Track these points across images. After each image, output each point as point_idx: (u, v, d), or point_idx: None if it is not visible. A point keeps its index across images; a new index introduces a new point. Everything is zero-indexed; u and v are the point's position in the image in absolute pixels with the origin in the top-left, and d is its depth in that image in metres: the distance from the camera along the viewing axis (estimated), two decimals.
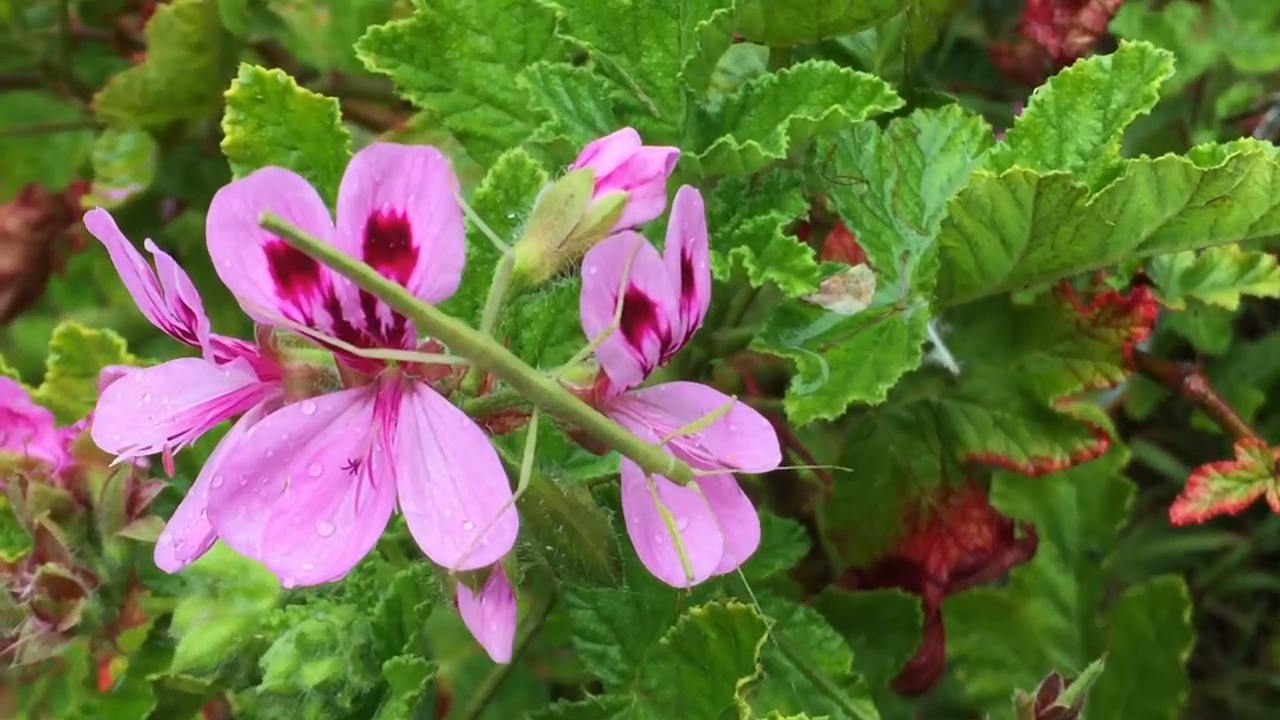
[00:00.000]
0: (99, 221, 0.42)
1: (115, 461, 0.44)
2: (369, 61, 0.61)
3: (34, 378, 0.66)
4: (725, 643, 0.55)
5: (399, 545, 0.60)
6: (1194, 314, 0.89)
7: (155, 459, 0.47)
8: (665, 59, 0.58)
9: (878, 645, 0.71)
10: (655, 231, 0.43)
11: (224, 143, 0.56)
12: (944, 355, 0.67)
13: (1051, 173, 0.52)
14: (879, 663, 0.71)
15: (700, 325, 0.43)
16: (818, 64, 0.56)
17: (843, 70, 0.55)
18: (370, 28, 0.61)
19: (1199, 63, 1.02)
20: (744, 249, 0.55)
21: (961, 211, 0.54)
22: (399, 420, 0.40)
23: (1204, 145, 0.55)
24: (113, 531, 0.58)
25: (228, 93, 0.56)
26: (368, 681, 0.54)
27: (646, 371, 0.42)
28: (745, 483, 0.46)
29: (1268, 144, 0.53)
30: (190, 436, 0.43)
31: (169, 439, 0.43)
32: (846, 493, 0.72)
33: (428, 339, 0.40)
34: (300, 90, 0.56)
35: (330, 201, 0.37)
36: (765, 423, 0.45)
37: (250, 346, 0.43)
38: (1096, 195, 0.53)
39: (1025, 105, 0.58)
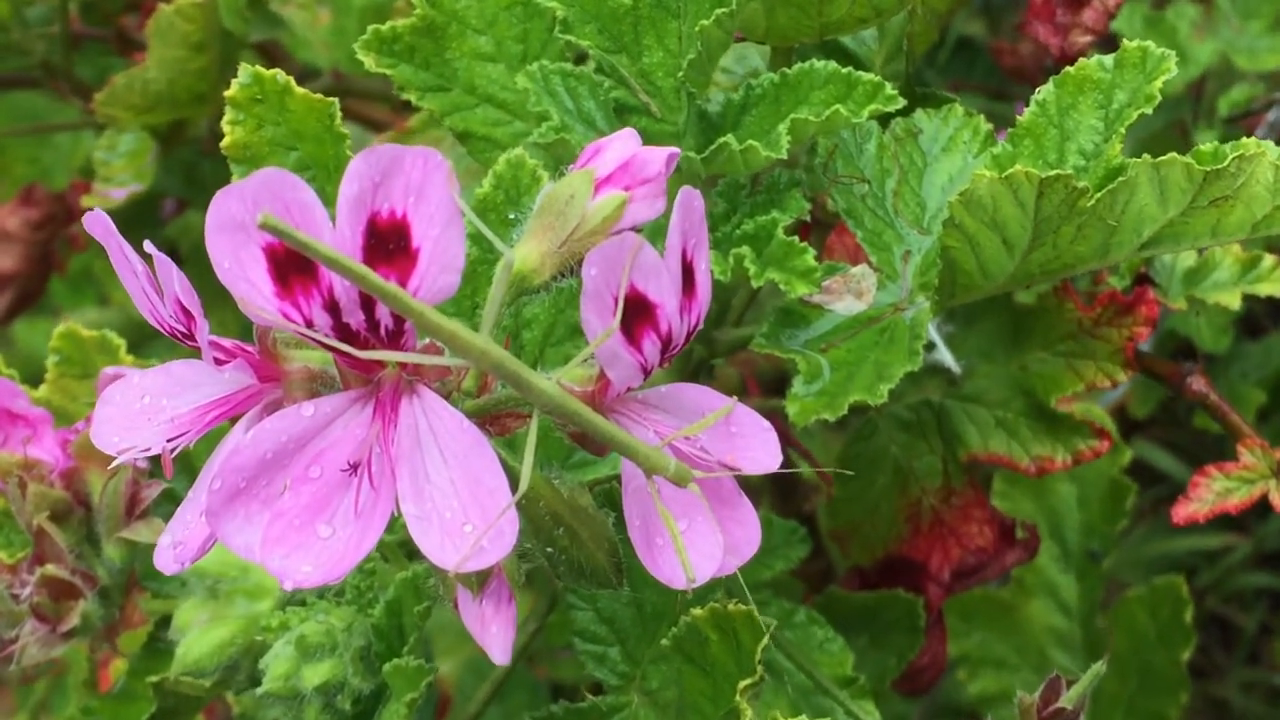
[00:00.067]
0: (97, 223, 0.41)
1: (114, 463, 0.44)
2: (369, 61, 0.61)
3: (35, 378, 0.66)
4: (726, 644, 0.55)
5: (399, 547, 0.60)
6: (1196, 313, 0.88)
7: (155, 460, 0.47)
8: (666, 59, 0.58)
9: (880, 645, 0.71)
10: (656, 232, 0.43)
11: (223, 143, 0.56)
12: (945, 355, 0.67)
13: (1053, 173, 0.51)
14: (881, 663, 0.71)
15: (701, 326, 0.43)
16: (819, 64, 0.56)
17: (844, 70, 0.55)
18: (370, 27, 0.61)
19: (1201, 62, 1.02)
20: (745, 249, 0.54)
21: (963, 211, 0.54)
22: (398, 422, 0.40)
23: (1206, 145, 0.55)
24: (112, 533, 0.58)
25: (227, 93, 0.56)
26: (368, 683, 0.54)
27: (647, 373, 0.42)
28: (747, 483, 0.46)
29: (1270, 144, 0.52)
30: (189, 438, 0.43)
31: (168, 441, 0.43)
32: (848, 493, 0.72)
33: (428, 340, 0.40)
34: (300, 90, 0.56)
35: (330, 202, 0.37)
36: (766, 424, 0.45)
37: (249, 348, 0.43)
38: (1098, 195, 0.53)
39: (1027, 104, 0.58)
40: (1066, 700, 0.56)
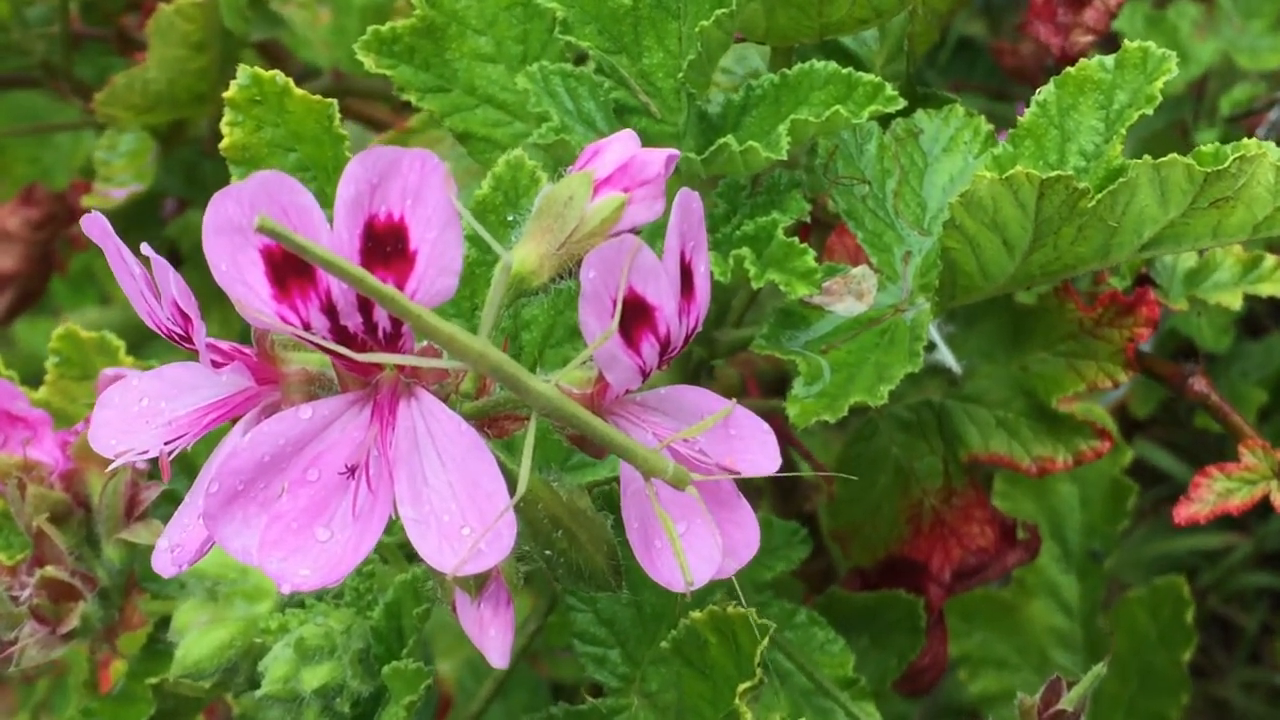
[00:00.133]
0: (95, 225, 0.41)
1: (113, 465, 0.44)
2: (369, 62, 0.61)
3: (36, 378, 0.66)
4: (725, 647, 0.55)
5: (398, 549, 0.60)
6: (1197, 314, 0.88)
7: (155, 461, 0.47)
8: (666, 59, 0.58)
9: (881, 646, 0.71)
10: (655, 233, 0.43)
11: (222, 144, 0.56)
12: (946, 356, 0.67)
13: (1054, 173, 0.51)
14: (882, 663, 0.70)
15: (699, 328, 0.43)
16: (819, 64, 0.56)
17: (844, 70, 0.55)
18: (370, 28, 0.61)
19: (1202, 61, 1.02)
20: (745, 250, 0.54)
21: (963, 212, 0.54)
22: (396, 424, 0.40)
23: (1207, 146, 0.55)
24: (112, 534, 0.58)
25: (226, 94, 0.55)
26: (366, 686, 0.54)
27: (645, 375, 0.42)
28: (747, 483, 0.45)
29: (1271, 145, 0.52)
30: (187, 441, 0.43)
31: (165, 444, 0.43)
32: (849, 493, 0.72)
33: (426, 342, 0.40)
34: (299, 91, 0.56)
35: (330, 203, 0.37)
36: (765, 426, 0.45)
37: (247, 350, 0.43)
38: (1099, 196, 0.52)
39: (1027, 105, 0.58)
40: (1067, 701, 0.56)
